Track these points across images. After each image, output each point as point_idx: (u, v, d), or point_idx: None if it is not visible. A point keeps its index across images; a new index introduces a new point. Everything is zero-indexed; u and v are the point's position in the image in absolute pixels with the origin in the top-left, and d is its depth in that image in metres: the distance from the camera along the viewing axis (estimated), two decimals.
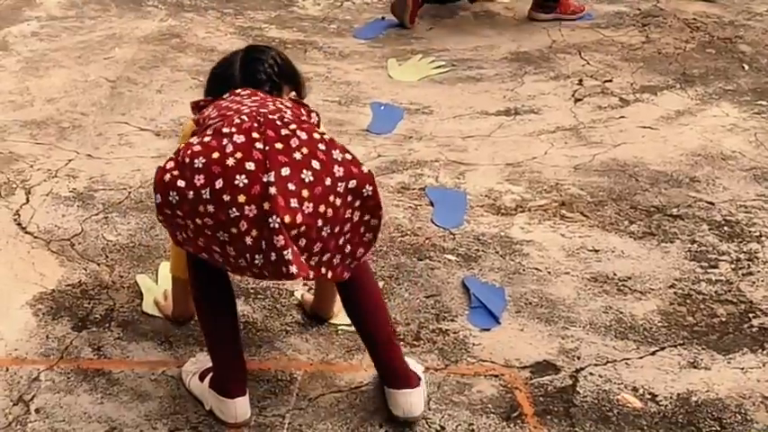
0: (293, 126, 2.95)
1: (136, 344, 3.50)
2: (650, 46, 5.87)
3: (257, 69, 3.32)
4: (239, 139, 2.90)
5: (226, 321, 3.20)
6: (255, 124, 2.93)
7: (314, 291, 3.66)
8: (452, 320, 3.66)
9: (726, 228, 4.26)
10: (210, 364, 3.29)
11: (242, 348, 3.24)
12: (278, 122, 2.95)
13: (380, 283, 3.82)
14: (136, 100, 5.09)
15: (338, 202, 2.95)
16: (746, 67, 5.65)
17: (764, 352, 3.55)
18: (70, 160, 4.57)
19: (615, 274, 3.95)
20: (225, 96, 3.16)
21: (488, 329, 3.63)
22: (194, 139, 2.97)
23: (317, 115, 3.20)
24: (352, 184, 2.97)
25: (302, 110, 3.14)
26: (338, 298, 3.62)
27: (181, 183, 2.89)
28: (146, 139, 4.77)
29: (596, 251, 4.09)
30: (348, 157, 3.00)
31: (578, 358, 3.51)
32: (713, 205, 4.41)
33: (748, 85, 5.46)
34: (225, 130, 2.93)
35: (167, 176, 2.92)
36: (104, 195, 4.33)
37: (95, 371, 3.38)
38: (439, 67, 5.55)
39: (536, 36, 5.97)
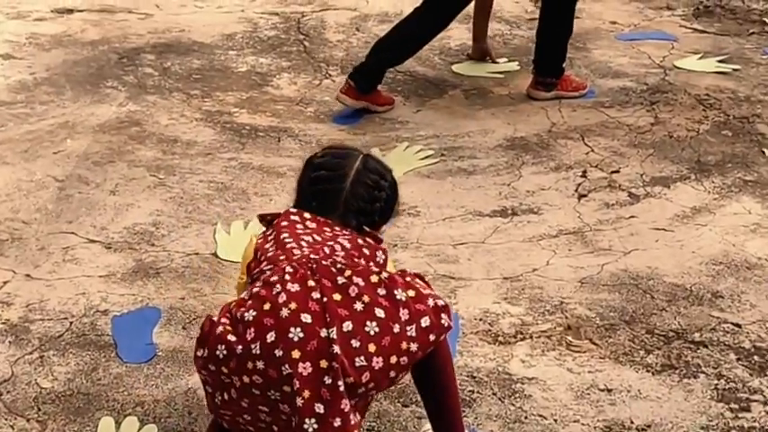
0: (348, 272, 2.80)
1: None
2: (660, 128, 5.33)
3: (366, 196, 3.06)
4: (293, 287, 2.75)
5: None
6: (309, 272, 2.78)
7: None
8: None
9: (756, 357, 3.71)
10: None
11: None
12: (332, 269, 2.80)
13: None
14: (86, 203, 4.52)
15: (414, 347, 2.80)
16: (767, 153, 5.11)
17: None
18: (6, 282, 4.00)
19: (632, 422, 3.40)
20: (293, 219, 2.98)
21: None
22: (245, 294, 2.84)
23: (384, 253, 2.99)
24: (426, 322, 2.83)
25: (364, 249, 2.95)
26: None
27: (232, 337, 2.73)
28: (94, 253, 4.20)
29: (609, 391, 3.53)
30: (411, 294, 2.84)
31: None
32: (740, 328, 3.86)
33: None
34: (273, 278, 2.79)
35: (219, 329, 2.75)
36: (41, 327, 3.75)
37: None
38: (427, 157, 4.99)
39: (534, 118, 5.42)
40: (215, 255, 4.23)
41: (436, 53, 6.02)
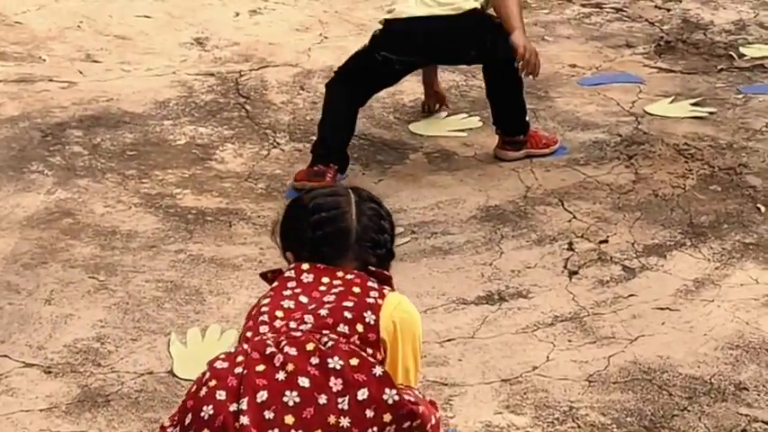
0: (283, 342, 2.58)
1: None
2: (643, 186, 4.89)
3: (375, 227, 2.82)
4: (221, 365, 2.59)
5: None
6: (249, 349, 2.59)
7: None
8: None
9: None
10: None
11: None
12: (267, 342, 2.60)
13: None
14: (18, 317, 3.96)
15: (345, 422, 2.52)
16: (763, 209, 4.69)
17: None
18: None
19: None
20: (288, 276, 2.76)
21: None
22: None
23: (374, 311, 2.66)
24: (363, 395, 2.53)
25: (346, 312, 2.65)
26: None
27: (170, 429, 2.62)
28: (32, 379, 3.65)
29: None
30: (353, 362, 2.57)
31: None
32: None
33: None
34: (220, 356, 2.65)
35: (167, 422, 2.64)
36: None
37: None
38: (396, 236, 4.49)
39: (506, 182, 4.94)
40: (171, 373, 3.71)
41: (390, 111, 5.54)
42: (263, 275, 2.87)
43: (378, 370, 2.59)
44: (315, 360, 2.58)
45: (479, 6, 4.87)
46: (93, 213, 4.63)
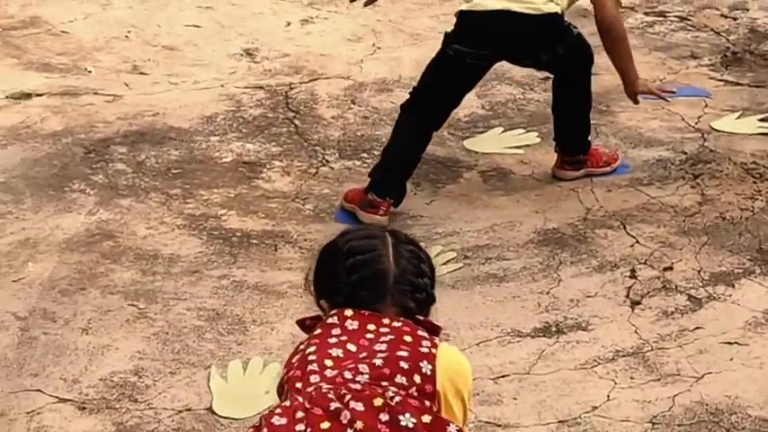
0: (347, 396, 2.37)
1: None
2: (710, 208, 4.65)
3: (414, 270, 2.58)
4: (279, 421, 2.37)
5: None
6: (307, 403, 2.37)
7: None
8: None
9: None
10: None
11: None
12: (329, 395, 2.37)
13: None
14: (53, 348, 3.80)
15: None
16: None
17: None
18: None
19: None
20: (331, 323, 2.51)
21: None
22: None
23: (431, 361, 2.43)
24: None
25: (402, 362, 2.43)
26: None
27: None
28: (65, 416, 3.49)
29: None
30: (426, 419, 2.37)
31: None
32: None
33: None
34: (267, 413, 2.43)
35: None
36: None
37: None
38: (448, 261, 4.29)
39: (564, 203, 4.72)
40: (211, 410, 3.54)
41: (444, 126, 5.31)
42: (301, 323, 2.66)
43: (452, 429, 2.39)
44: (384, 417, 2.38)
45: (560, 12, 4.64)
46: (135, 236, 4.46)
